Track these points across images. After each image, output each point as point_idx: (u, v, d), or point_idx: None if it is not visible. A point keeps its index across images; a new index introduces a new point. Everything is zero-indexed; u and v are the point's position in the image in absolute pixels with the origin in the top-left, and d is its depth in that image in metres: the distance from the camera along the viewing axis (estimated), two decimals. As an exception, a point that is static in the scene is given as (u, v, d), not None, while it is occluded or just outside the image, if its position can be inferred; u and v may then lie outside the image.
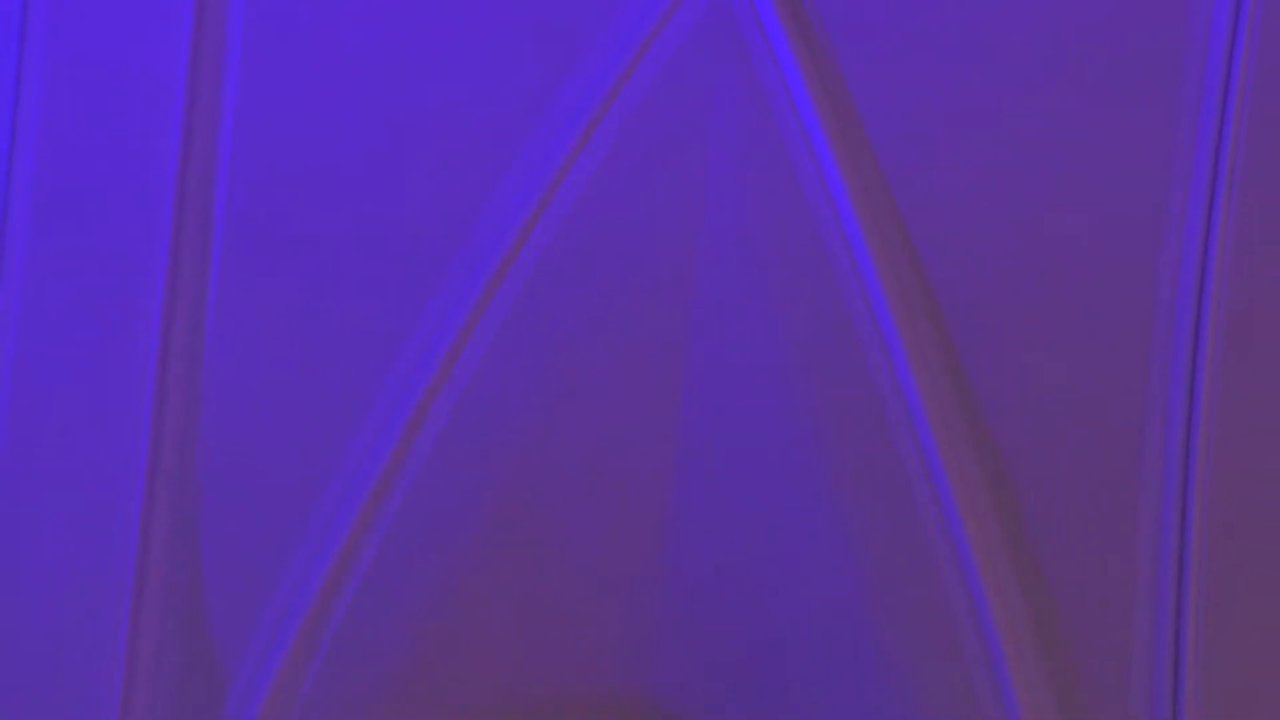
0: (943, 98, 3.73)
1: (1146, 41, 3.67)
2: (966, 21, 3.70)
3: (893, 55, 3.74)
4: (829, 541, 3.86)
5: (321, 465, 3.87)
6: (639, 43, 3.77)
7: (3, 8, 3.73)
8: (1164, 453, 3.76)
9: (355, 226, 3.82)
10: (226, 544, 3.87)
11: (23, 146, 3.75)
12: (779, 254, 3.84)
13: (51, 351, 3.80)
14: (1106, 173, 3.72)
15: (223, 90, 3.80)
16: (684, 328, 3.88)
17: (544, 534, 3.94)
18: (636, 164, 3.81)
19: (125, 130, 3.77)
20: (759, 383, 3.88)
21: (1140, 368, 3.75)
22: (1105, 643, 3.80)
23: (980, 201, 3.75)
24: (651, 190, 3.83)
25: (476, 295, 3.83)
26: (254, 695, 3.87)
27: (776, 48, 3.74)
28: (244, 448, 3.86)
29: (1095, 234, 3.73)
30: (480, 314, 3.84)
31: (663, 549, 3.95)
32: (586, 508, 3.94)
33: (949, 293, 3.77)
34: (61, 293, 3.79)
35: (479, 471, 3.90)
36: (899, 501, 3.82)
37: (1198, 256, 3.71)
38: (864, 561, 3.85)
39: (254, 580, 3.88)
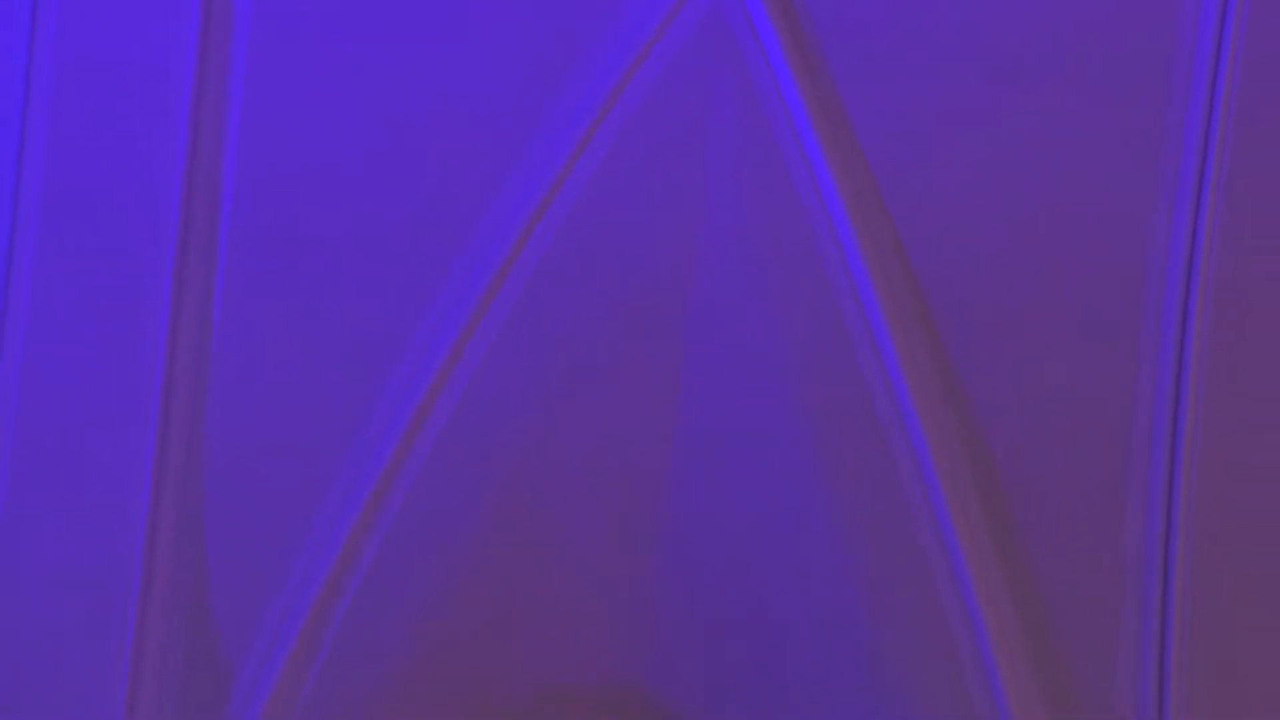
0: (933, 101, 3.74)
1: (1135, 42, 3.69)
2: (957, 25, 3.72)
3: (884, 60, 3.75)
4: (824, 540, 3.87)
5: (324, 465, 3.87)
6: (638, 49, 3.78)
7: (12, 10, 3.74)
8: (1151, 453, 3.77)
9: (359, 227, 3.82)
10: (231, 543, 3.87)
11: (32, 148, 3.76)
12: (774, 255, 3.84)
13: (60, 352, 3.79)
14: (1095, 173, 3.73)
15: (228, 92, 3.80)
16: (682, 328, 3.88)
17: (544, 534, 3.94)
18: (635, 167, 3.82)
19: (132, 132, 3.77)
20: (755, 382, 3.88)
21: (1129, 368, 3.77)
22: (1092, 639, 3.81)
23: (971, 202, 3.76)
24: (650, 192, 3.84)
25: (478, 296, 3.83)
26: (258, 693, 3.87)
27: (770, 53, 3.76)
28: (249, 448, 3.86)
29: (1084, 234, 3.75)
30: (482, 314, 3.84)
31: (661, 548, 3.95)
32: (586, 507, 3.94)
33: (940, 293, 3.78)
34: (70, 293, 3.78)
35: (480, 471, 3.90)
36: (892, 500, 3.84)
37: (1185, 257, 3.73)
38: (858, 560, 3.86)
39: (258, 579, 3.87)
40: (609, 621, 3.96)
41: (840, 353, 3.82)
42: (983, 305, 3.78)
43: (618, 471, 3.93)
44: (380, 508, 3.88)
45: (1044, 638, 3.82)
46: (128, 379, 3.81)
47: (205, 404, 3.85)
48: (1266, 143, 3.70)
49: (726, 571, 3.94)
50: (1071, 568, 3.81)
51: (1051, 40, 3.71)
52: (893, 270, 3.79)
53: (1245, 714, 3.80)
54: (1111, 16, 3.69)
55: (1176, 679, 3.78)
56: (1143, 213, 3.74)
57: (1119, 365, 3.77)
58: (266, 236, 3.82)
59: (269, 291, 3.83)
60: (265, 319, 3.84)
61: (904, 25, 3.74)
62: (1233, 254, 3.73)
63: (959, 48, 3.73)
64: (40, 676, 3.82)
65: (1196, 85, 3.69)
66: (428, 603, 3.91)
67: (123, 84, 3.76)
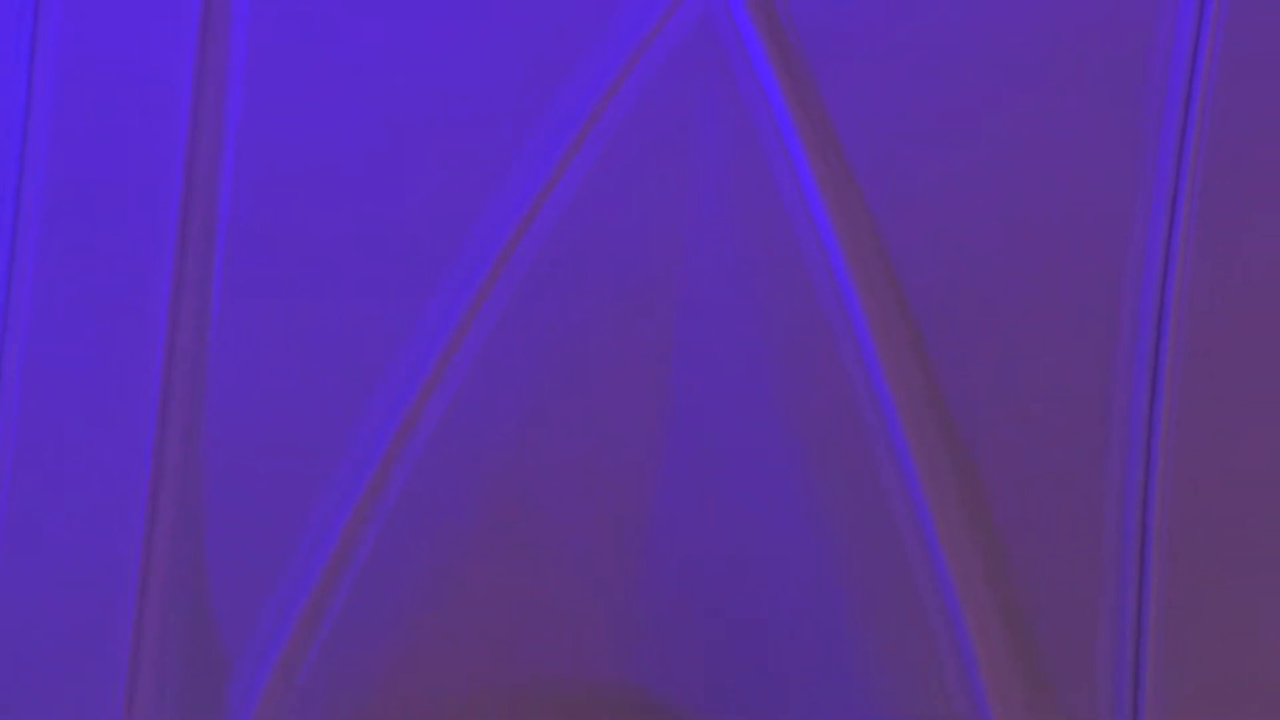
0: (916, 105, 3.77)
1: (1113, 44, 3.72)
2: (940, 31, 3.75)
3: (867, 65, 3.77)
4: (809, 537, 3.89)
5: (320, 464, 3.88)
6: (627, 54, 3.80)
7: (14, 13, 3.75)
8: (1128, 450, 3.80)
9: (355, 227, 3.82)
10: (229, 538, 3.88)
11: (33, 149, 3.77)
12: (760, 257, 3.86)
13: (60, 350, 3.80)
14: (1074, 174, 3.76)
15: (227, 93, 3.81)
16: (669, 331, 3.90)
17: (536, 532, 3.95)
18: (624, 170, 3.84)
19: (132, 131, 3.77)
20: (741, 384, 3.91)
21: (1107, 367, 3.80)
22: (1070, 633, 3.85)
23: (952, 206, 3.79)
24: (639, 196, 3.86)
25: (471, 297, 3.84)
26: (254, 687, 3.89)
27: (756, 60, 3.78)
28: (246, 446, 3.86)
29: (1065, 235, 3.77)
30: (474, 315, 3.85)
31: (649, 546, 3.97)
32: (577, 506, 3.95)
33: (922, 292, 3.81)
34: (70, 291, 3.79)
35: (473, 470, 3.91)
36: (874, 499, 3.86)
37: (1162, 256, 3.76)
38: (842, 557, 3.88)
39: (255, 575, 3.88)
40: (600, 619, 3.99)
41: (824, 353, 3.85)
42: (964, 304, 3.80)
43: (609, 470, 3.95)
44: (375, 505, 3.89)
45: (1023, 632, 3.85)
46: (127, 377, 3.82)
47: (203, 403, 3.86)
48: (1243, 145, 3.73)
49: (716, 569, 3.96)
50: (1050, 563, 3.84)
51: (1032, 44, 3.74)
52: (875, 270, 3.81)
53: (1219, 708, 3.84)
54: (1090, 19, 3.72)
55: (1152, 671, 3.81)
56: (1121, 212, 3.76)
57: (1098, 364, 3.80)
58: (264, 236, 3.83)
59: (266, 291, 3.84)
60: (263, 318, 3.85)
61: (887, 31, 3.76)
62: (1210, 254, 3.76)
63: (942, 53, 3.76)
64: (42, 665, 3.83)
65: (1173, 87, 3.72)
66: (421, 600, 3.93)
67: (122, 83, 3.77)
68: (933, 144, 3.79)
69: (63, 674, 3.84)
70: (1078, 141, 3.76)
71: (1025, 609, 3.85)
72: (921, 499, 3.84)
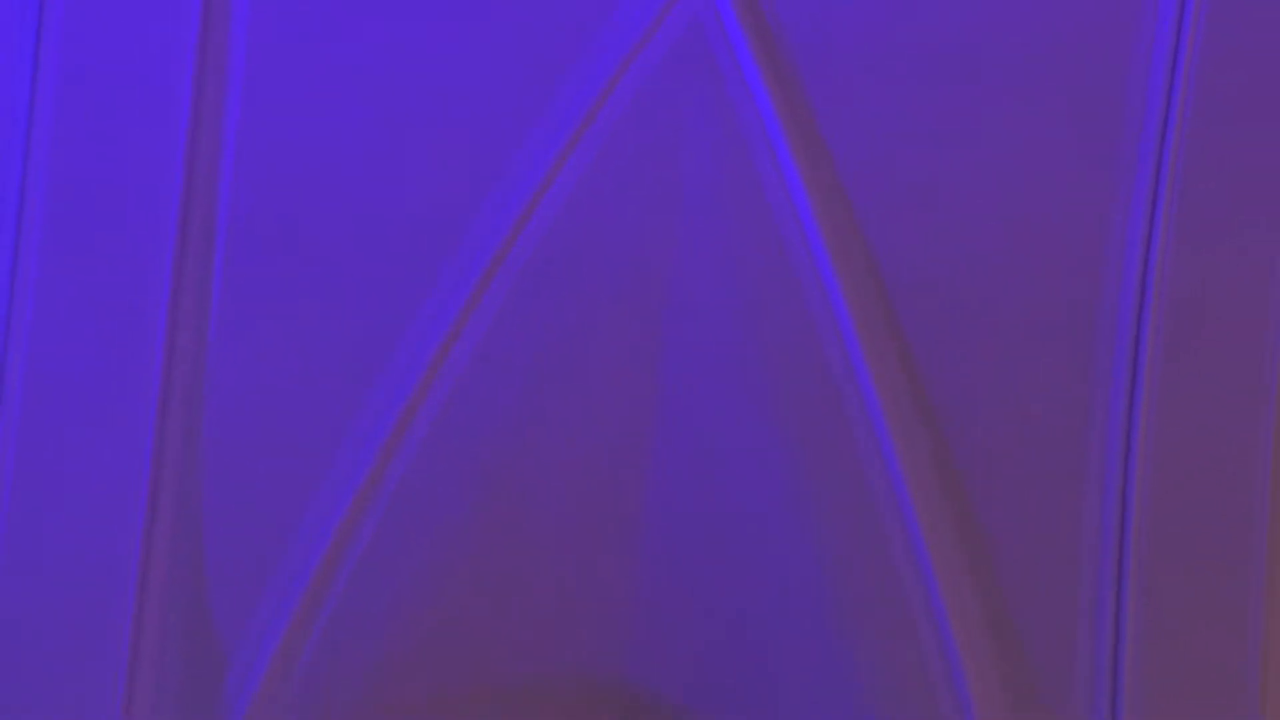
0: (900, 110, 3.80)
1: (1093, 51, 3.76)
2: (923, 39, 3.78)
3: (853, 72, 3.80)
4: (795, 531, 3.92)
5: (317, 461, 3.89)
6: (619, 61, 3.82)
7: (17, 17, 3.76)
8: (1107, 445, 3.85)
9: (353, 226, 3.84)
10: (227, 535, 3.90)
11: (36, 149, 3.78)
12: (748, 259, 3.89)
13: (62, 349, 3.82)
14: (1056, 176, 3.80)
15: (226, 95, 3.83)
16: (660, 329, 3.93)
17: (528, 528, 3.98)
18: (616, 173, 3.86)
19: (133, 133, 3.79)
20: (731, 382, 3.94)
21: (1087, 364, 3.83)
22: (1050, 623, 3.89)
23: (937, 208, 3.82)
24: (630, 199, 3.88)
25: (466, 296, 3.86)
26: (252, 676, 3.91)
27: (745, 68, 3.82)
28: (245, 443, 3.88)
29: (1046, 234, 3.81)
30: (469, 314, 3.87)
31: (641, 542, 4.01)
32: (569, 503, 3.99)
33: (906, 293, 3.84)
34: (72, 291, 3.80)
35: (467, 465, 3.94)
36: (860, 496, 3.90)
37: (1140, 254, 3.79)
38: (827, 550, 3.92)
39: (253, 569, 3.90)
40: (592, 615, 4.02)
41: (811, 351, 3.88)
42: (949, 304, 3.84)
43: (602, 467, 3.98)
44: (371, 502, 3.91)
45: (1004, 624, 3.89)
46: (128, 374, 3.83)
47: (202, 401, 3.88)
48: (1222, 149, 3.77)
49: (706, 566, 3.99)
50: (1031, 558, 3.88)
51: (1015, 50, 3.77)
52: (861, 270, 3.84)
53: (1196, 701, 3.88)
54: (1070, 27, 3.75)
55: (1130, 666, 3.85)
56: (1103, 214, 3.80)
57: (1079, 364, 3.84)
58: (264, 236, 3.84)
59: (265, 290, 3.86)
60: (261, 317, 3.87)
61: (875, 36, 3.79)
62: (1187, 252, 3.80)
63: (928, 58, 3.79)
64: (40, 664, 3.85)
65: (1154, 92, 3.76)
66: (416, 596, 3.95)
67: (124, 85, 3.78)
68: (918, 147, 3.82)
69: (63, 667, 3.86)
70: (1061, 145, 3.80)
71: (1007, 602, 3.88)
72: (906, 497, 3.87)
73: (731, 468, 3.96)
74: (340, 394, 3.89)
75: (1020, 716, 3.90)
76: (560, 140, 3.85)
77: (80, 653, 3.86)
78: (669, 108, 3.87)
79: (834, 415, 3.89)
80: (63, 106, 3.79)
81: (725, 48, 3.84)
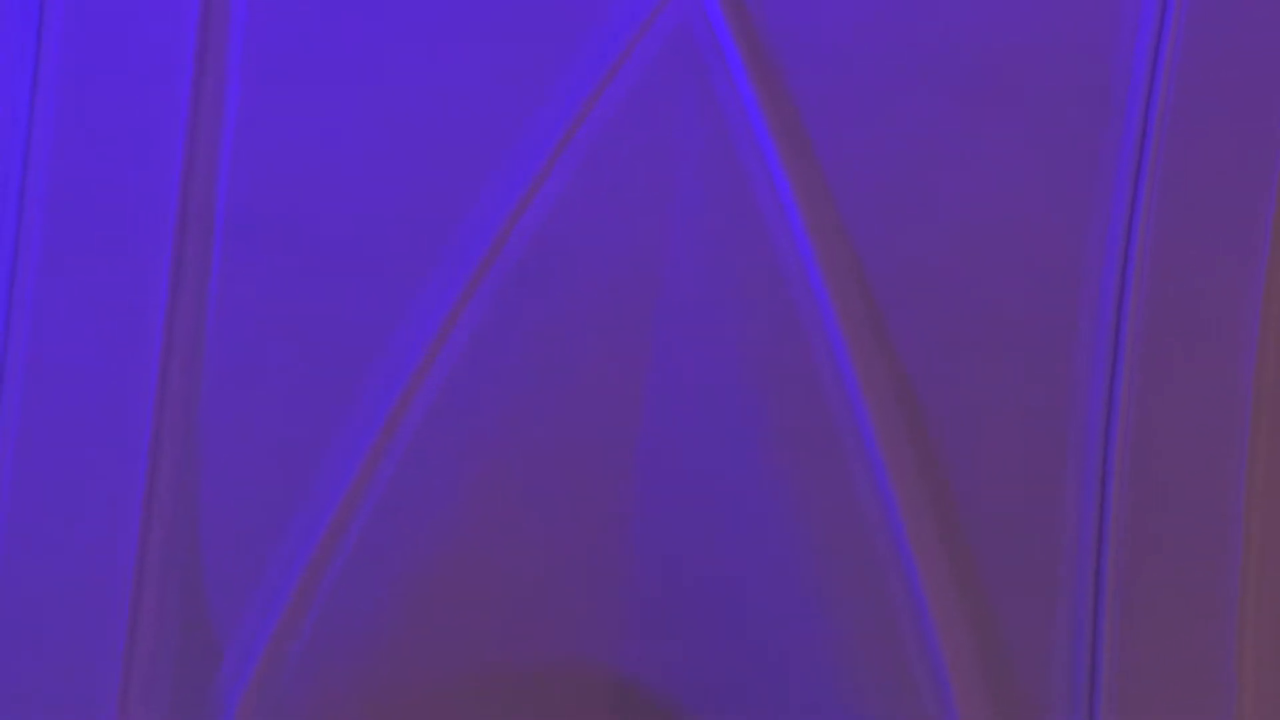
0: (888, 117, 3.82)
1: (1074, 66, 3.78)
2: (910, 47, 3.80)
3: (841, 79, 3.82)
4: (780, 529, 3.95)
5: (313, 452, 3.91)
6: (609, 64, 3.84)
7: (18, 15, 3.78)
8: (1086, 449, 3.87)
9: (347, 225, 3.86)
10: (223, 525, 3.92)
11: (37, 147, 3.79)
12: (735, 260, 3.91)
13: (62, 344, 3.84)
14: (1038, 186, 3.82)
15: (225, 96, 3.84)
16: (648, 326, 3.95)
17: (518, 525, 4.00)
18: (607, 174, 3.89)
19: (133, 132, 3.81)
20: (718, 382, 3.96)
21: (1067, 370, 3.85)
22: (1031, 621, 3.91)
23: (920, 210, 3.84)
24: (619, 199, 3.91)
25: (458, 293, 3.88)
26: (245, 667, 3.93)
27: (733, 71, 3.83)
28: (240, 436, 3.90)
29: (1028, 244, 3.83)
30: (461, 310, 3.89)
31: (629, 541, 4.03)
32: (558, 500, 4.01)
33: (892, 298, 3.86)
34: (72, 286, 3.82)
35: (458, 465, 3.96)
36: (844, 495, 3.93)
37: (1119, 265, 3.81)
38: (812, 550, 3.94)
39: (248, 560, 3.92)
40: (579, 604, 4.04)
41: (796, 348, 3.90)
42: (934, 306, 3.86)
43: (591, 465, 4.00)
44: (363, 496, 3.93)
45: (985, 617, 3.92)
46: (125, 370, 3.86)
47: (199, 396, 3.90)
48: (1199, 153, 3.79)
49: (690, 558, 4.02)
50: (1011, 555, 3.90)
51: (999, 58, 3.79)
52: (845, 269, 3.86)
53: (1171, 696, 3.90)
54: (1053, 31, 3.77)
55: (1108, 660, 3.87)
56: (1081, 215, 3.82)
57: (1059, 365, 3.86)
58: (260, 233, 3.86)
59: (262, 286, 3.87)
60: (257, 313, 3.88)
61: (861, 41, 3.81)
62: (1165, 255, 3.81)
63: (914, 64, 3.81)
64: (39, 653, 3.88)
65: (1133, 95, 3.78)
66: (407, 586, 3.98)
67: (124, 84, 3.80)
68: (903, 148, 3.84)
69: (60, 658, 3.88)
70: (1042, 147, 3.81)
71: (988, 599, 3.91)
72: (890, 496, 3.90)
73: (719, 464, 3.99)
74: (334, 390, 3.91)
75: (1000, 712, 3.92)
76: (552, 140, 3.87)
77: (77, 644, 3.88)
78: (658, 109, 3.89)
79: (819, 413, 3.91)
80: (63, 105, 3.81)
81: (713, 50, 3.85)
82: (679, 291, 3.96)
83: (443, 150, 3.88)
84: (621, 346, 3.98)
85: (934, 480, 3.91)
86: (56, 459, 3.88)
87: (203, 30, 3.83)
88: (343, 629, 3.97)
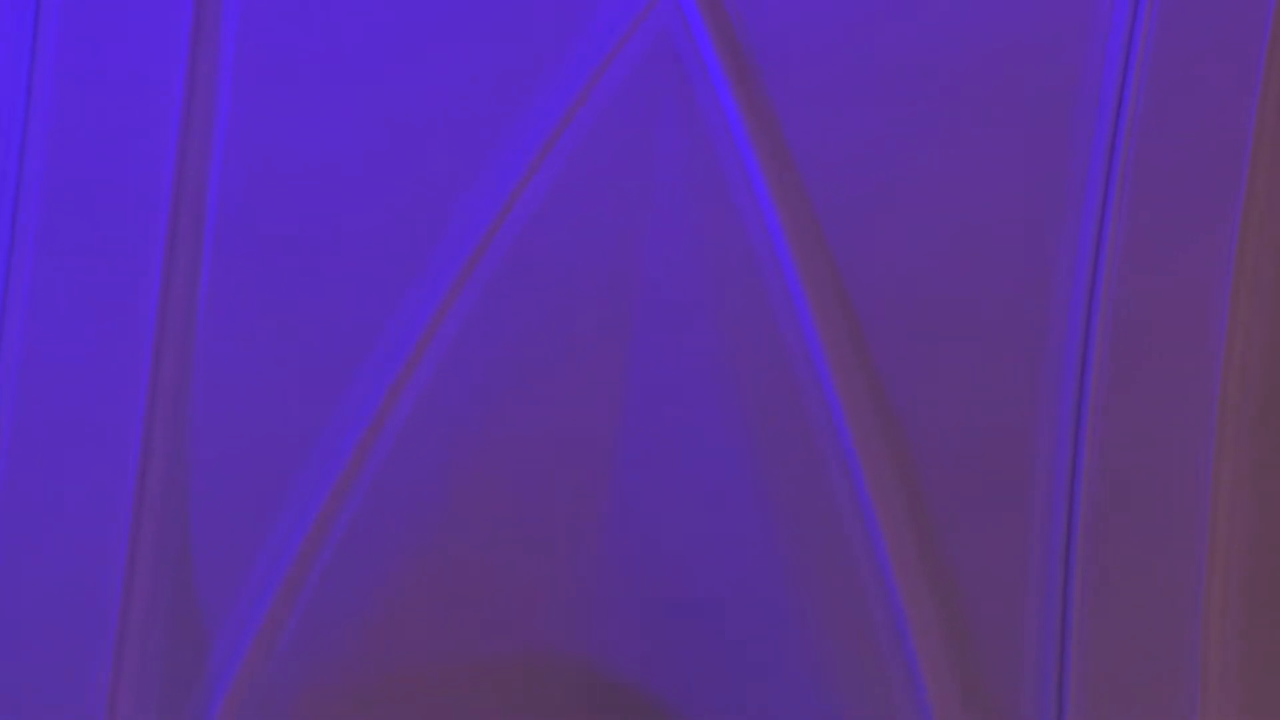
0: (865, 124, 3.85)
1: (1045, 71, 3.81)
2: (885, 55, 3.83)
3: (819, 86, 3.85)
4: (757, 525, 3.98)
5: (301, 446, 3.94)
6: (591, 72, 3.86)
7: (14, 20, 3.79)
8: (1055, 444, 3.90)
9: (336, 224, 3.89)
10: (213, 518, 3.94)
11: (32, 149, 3.82)
12: (714, 261, 3.94)
13: (56, 341, 3.86)
14: (1009, 190, 3.86)
15: (216, 98, 3.86)
16: (629, 325, 3.98)
17: (501, 517, 4.02)
18: (588, 178, 3.91)
19: (126, 134, 3.83)
20: (695, 376, 3.98)
21: (1036, 362, 3.89)
22: (1001, 616, 3.95)
23: (895, 213, 3.87)
24: (601, 202, 3.93)
25: (443, 293, 3.90)
26: (234, 655, 3.96)
27: (714, 77, 3.86)
28: (229, 430, 3.93)
29: (999, 246, 3.87)
30: (447, 309, 3.91)
31: (603, 529, 4.06)
32: (538, 491, 4.03)
33: (868, 301, 3.90)
34: (66, 286, 3.84)
35: (443, 457, 3.98)
36: (819, 487, 3.96)
37: (1089, 267, 3.85)
38: (787, 545, 3.98)
39: (237, 552, 3.95)
40: (555, 596, 4.07)
41: (773, 350, 3.93)
42: (906, 304, 3.89)
43: (569, 458, 4.03)
44: (349, 490, 3.96)
45: (957, 617, 3.96)
46: (118, 367, 3.88)
47: (189, 390, 3.92)
48: (1167, 162, 3.82)
49: (664, 552, 4.05)
50: (982, 558, 3.95)
51: (974, 67, 3.82)
52: (823, 272, 3.89)
53: (1136, 696, 3.94)
54: (1024, 49, 3.81)
55: (1076, 661, 3.92)
56: (1051, 222, 3.85)
57: (1029, 360, 3.89)
58: (250, 232, 3.88)
59: (252, 284, 3.90)
60: (247, 310, 3.91)
61: (840, 49, 3.84)
62: (1133, 267, 3.85)
63: (887, 70, 3.84)
64: (31, 639, 3.90)
65: (1103, 111, 3.81)
66: (391, 576, 4.00)
67: (117, 88, 3.82)
68: (880, 154, 3.87)
69: (52, 647, 3.90)
70: (1015, 155, 3.85)
71: (959, 592, 3.95)
72: (865, 494, 3.93)
73: (695, 461, 4.01)
74: (321, 386, 3.93)
75: (969, 702, 3.96)
76: (536, 144, 3.89)
77: (68, 633, 3.90)
78: (640, 115, 3.91)
79: (796, 412, 3.94)
80: (58, 104, 3.82)
81: (694, 57, 3.88)
82: (659, 292, 3.98)
83: (429, 153, 3.90)
84: (602, 346, 4.00)
85: (907, 478, 3.94)
86: (50, 453, 3.89)
87: (195, 31, 3.84)
88: (329, 621, 3.98)
